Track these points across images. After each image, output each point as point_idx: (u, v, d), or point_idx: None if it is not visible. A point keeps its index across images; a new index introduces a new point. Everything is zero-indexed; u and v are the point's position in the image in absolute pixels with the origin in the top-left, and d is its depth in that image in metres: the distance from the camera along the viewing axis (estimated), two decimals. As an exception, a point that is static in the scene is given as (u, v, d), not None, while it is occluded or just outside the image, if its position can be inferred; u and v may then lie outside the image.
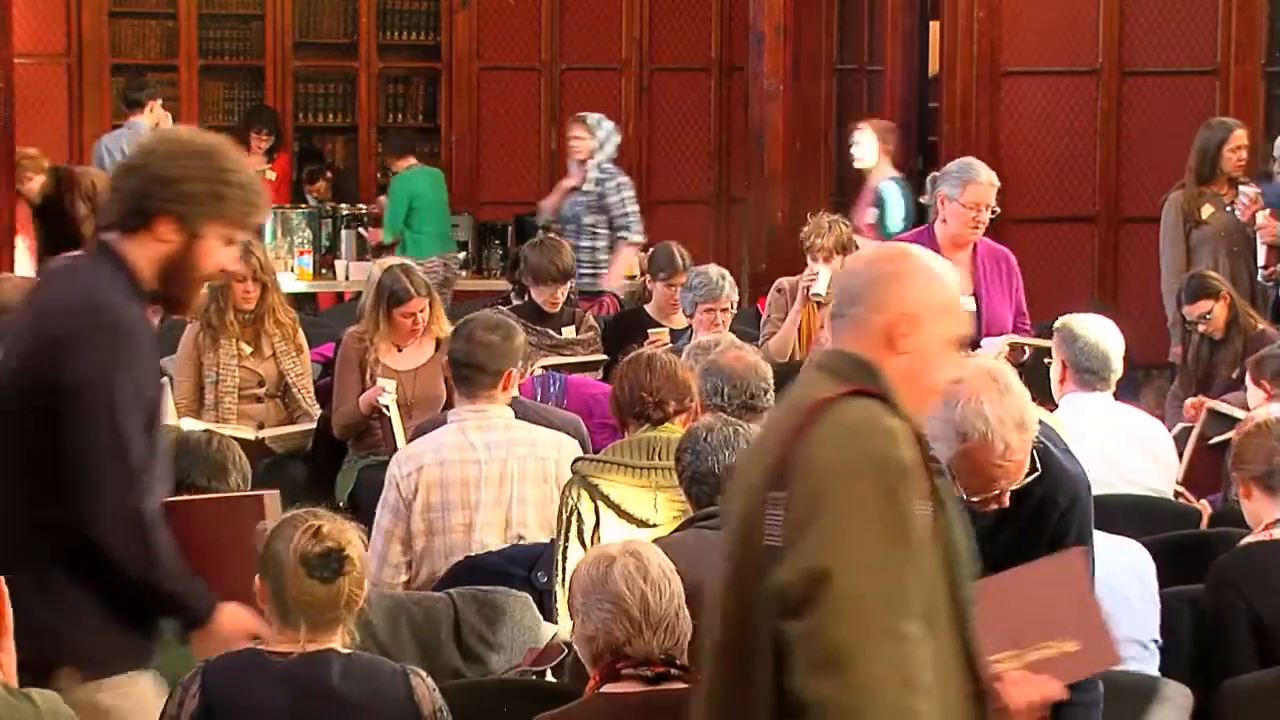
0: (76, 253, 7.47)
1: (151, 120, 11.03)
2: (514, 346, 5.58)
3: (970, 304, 7.04)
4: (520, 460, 5.41)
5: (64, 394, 3.63)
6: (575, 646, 3.60)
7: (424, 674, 3.66)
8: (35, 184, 9.46)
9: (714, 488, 4.56)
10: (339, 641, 3.59)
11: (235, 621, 3.75)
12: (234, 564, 3.69)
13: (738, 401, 5.23)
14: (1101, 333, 6.01)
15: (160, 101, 11.22)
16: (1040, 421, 3.97)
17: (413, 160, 11.48)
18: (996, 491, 3.74)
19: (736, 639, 2.93)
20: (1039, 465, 3.86)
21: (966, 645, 2.97)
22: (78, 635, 3.68)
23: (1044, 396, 6.15)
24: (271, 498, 3.88)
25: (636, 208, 10.17)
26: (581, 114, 10.33)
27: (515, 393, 5.70)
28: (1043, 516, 3.85)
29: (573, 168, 10.17)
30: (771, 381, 5.40)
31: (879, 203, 10.05)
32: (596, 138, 10.06)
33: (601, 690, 3.50)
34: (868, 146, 10.16)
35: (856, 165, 10.24)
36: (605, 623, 3.48)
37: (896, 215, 9.93)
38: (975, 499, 3.73)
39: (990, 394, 3.67)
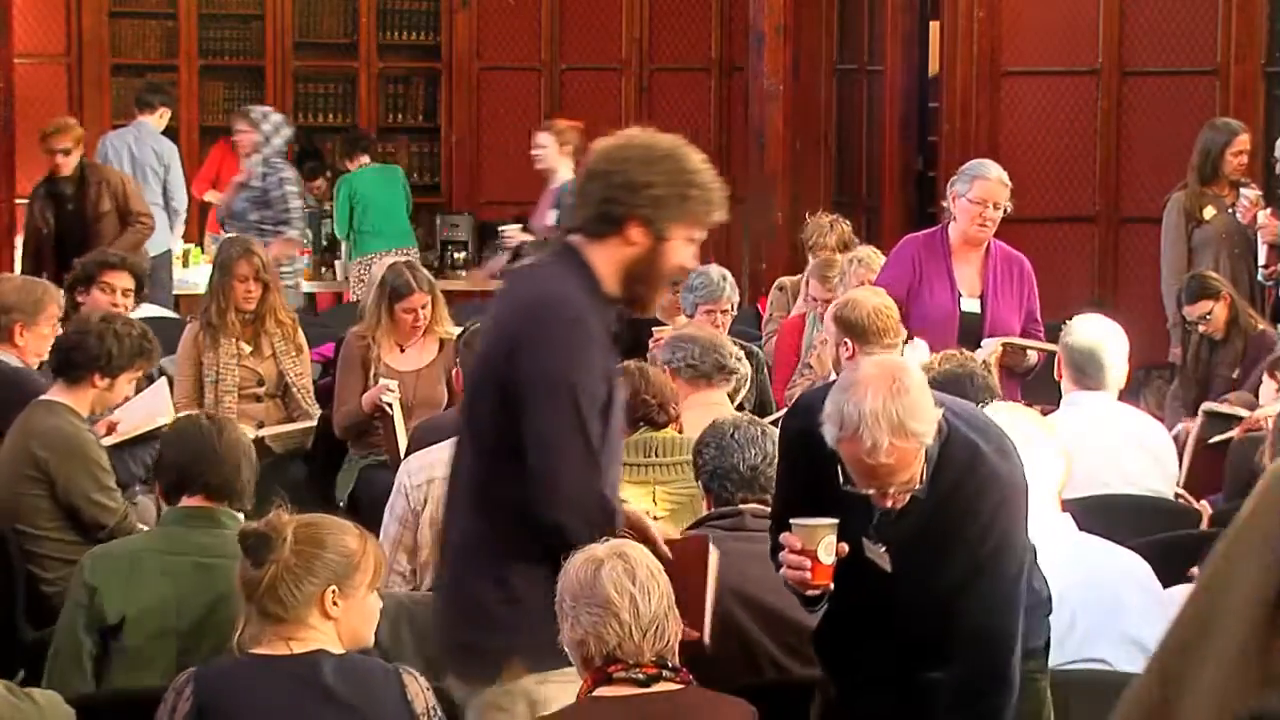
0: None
1: (158, 126, 11.03)
2: None
3: (975, 305, 7.04)
4: None
5: (524, 386, 3.75)
6: (566, 650, 3.59)
7: (416, 673, 3.66)
8: (73, 160, 9.51)
9: (737, 484, 4.57)
10: (328, 642, 3.59)
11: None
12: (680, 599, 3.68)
13: (710, 361, 5.27)
14: (1094, 332, 6.01)
15: (170, 112, 11.21)
16: (988, 420, 3.93)
17: (365, 160, 11.52)
18: (875, 490, 3.68)
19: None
20: (966, 465, 3.78)
21: None
22: (528, 627, 3.74)
23: (1053, 398, 6.16)
24: (709, 543, 3.94)
25: (300, 204, 10.14)
26: (247, 107, 10.34)
27: None
28: (959, 514, 3.77)
29: (243, 163, 10.15)
30: (736, 355, 5.64)
31: (560, 204, 10.07)
32: (261, 131, 10.00)
33: (593, 694, 3.50)
34: (548, 148, 10.13)
35: (538, 167, 10.25)
36: (594, 626, 3.47)
37: None
38: (868, 492, 3.70)
39: (877, 390, 3.59)
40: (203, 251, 11.15)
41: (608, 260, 3.84)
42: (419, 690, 3.61)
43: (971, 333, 6.93)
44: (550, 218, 9.92)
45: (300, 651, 3.56)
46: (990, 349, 6.79)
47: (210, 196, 11.87)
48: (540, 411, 3.74)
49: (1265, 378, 6.92)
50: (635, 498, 5.01)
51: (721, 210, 3.92)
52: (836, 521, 3.72)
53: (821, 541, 3.70)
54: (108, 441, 5.95)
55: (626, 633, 3.46)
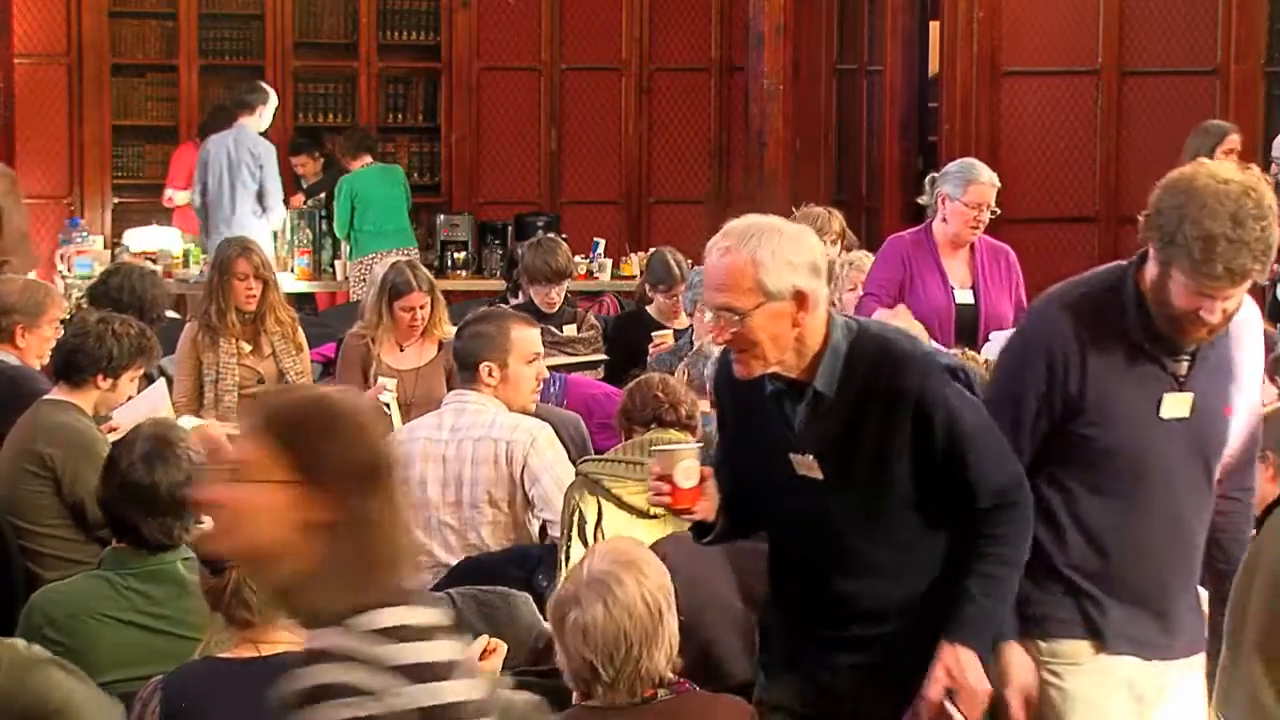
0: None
1: (257, 126, 10.99)
2: (488, 341, 5.63)
3: (969, 297, 7.09)
4: (475, 442, 5.49)
5: None
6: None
7: None
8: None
9: None
10: (297, 641, 3.59)
11: (1021, 670, 3.81)
12: None
13: None
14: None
15: (272, 106, 11.14)
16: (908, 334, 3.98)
17: (368, 160, 11.50)
18: (709, 313, 3.73)
19: None
20: (877, 354, 3.76)
21: None
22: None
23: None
24: None
25: None
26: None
27: (522, 391, 5.70)
28: (883, 403, 3.72)
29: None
30: None
31: None
32: None
33: (584, 704, 3.48)
34: None
35: None
36: (575, 668, 3.45)
37: None
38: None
39: (772, 220, 3.75)
40: (204, 252, 11.12)
41: (1147, 279, 3.76)
42: None
43: (967, 325, 6.99)
44: None
45: (268, 653, 3.56)
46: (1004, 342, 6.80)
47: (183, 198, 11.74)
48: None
49: (1265, 381, 6.89)
50: (637, 495, 5.04)
51: (1216, 274, 3.61)
52: (696, 447, 3.84)
53: (679, 465, 3.76)
54: (108, 441, 5.96)
55: (592, 688, 3.45)
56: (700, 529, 3.89)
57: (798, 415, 3.75)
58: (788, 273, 3.66)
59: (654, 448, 3.81)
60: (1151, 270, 3.72)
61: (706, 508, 3.83)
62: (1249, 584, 2.97)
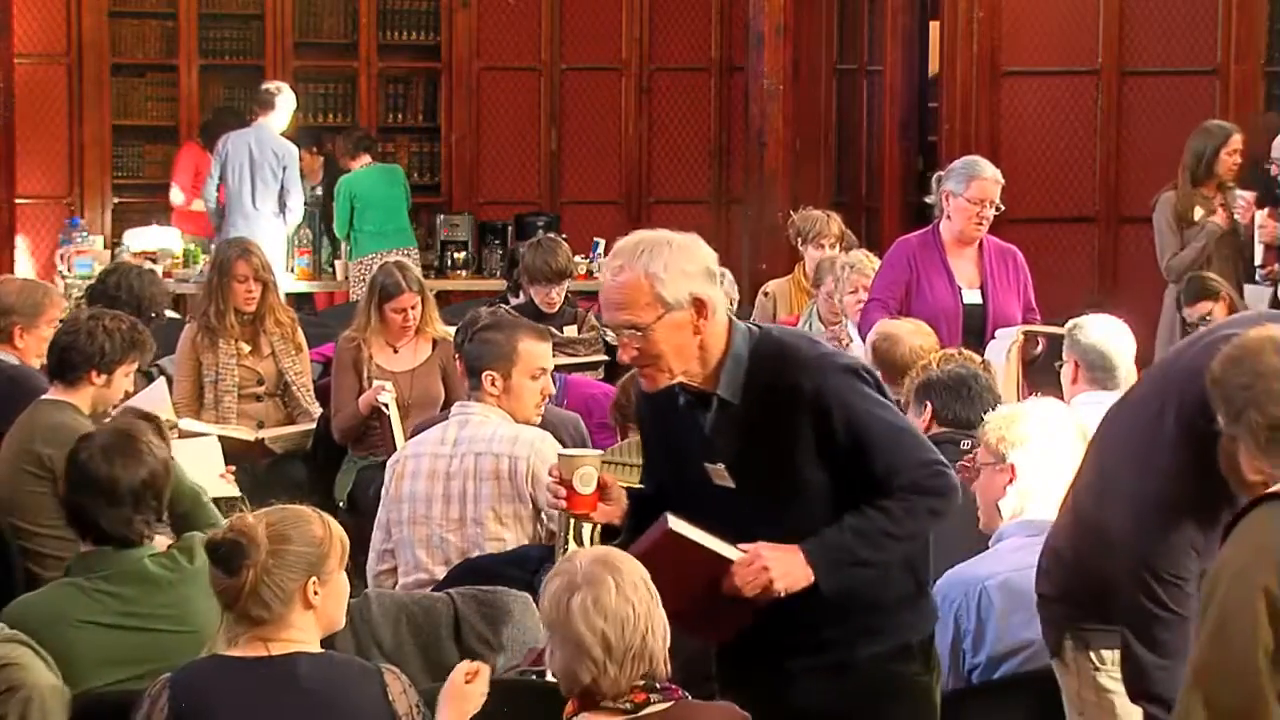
0: None
1: (277, 125, 10.97)
2: (495, 349, 5.56)
3: (976, 297, 7.08)
4: (477, 457, 5.44)
5: None
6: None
7: (399, 672, 3.64)
8: None
9: None
10: (308, 643, 3.59)
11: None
12: (682, 597, 3.68)
13: None
14: (1107, 333, 6.02)
15: (290, 105, 11.07)
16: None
17: (367, 160, 11.51)
18: (613, 332, 3.80)
19: None
20: (775, 357, 3.77)
21: None
22: None
23: (1057, 389, 6.16)
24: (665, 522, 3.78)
25: None
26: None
27: (525, 403, 5.65)
28: (786, 409, 3.73)
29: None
30: None
31: None
32: None
33: (575, 717, 3.47)
34: None
35: None
36: (568, 664, 3.44)
37: None
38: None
39: (659, 233, 3.81)
40: (205, 252, 11.12)
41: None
42: (401, 690, 3.60)
43: (975, 325, 6.97)
44: None
45: (278, 653, 3.55)
46: (1012, 337, 6.80)
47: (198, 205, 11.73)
48: None
49: None
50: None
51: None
52: (596, 455, 3.94)
53: (577, 471, 3.87)
54: (107, 441, 5.95)
55: (601, 669, 3.42)
56: (607, 534, 3.94)
57: (707, 424, 3.80)
58: (684, 281, 3.73)
59: (559, 452, 3.96)
60: (1223, 435, 3.50)
61: (608, 513, 3.90)
62: (1210, 599, 2.98)
